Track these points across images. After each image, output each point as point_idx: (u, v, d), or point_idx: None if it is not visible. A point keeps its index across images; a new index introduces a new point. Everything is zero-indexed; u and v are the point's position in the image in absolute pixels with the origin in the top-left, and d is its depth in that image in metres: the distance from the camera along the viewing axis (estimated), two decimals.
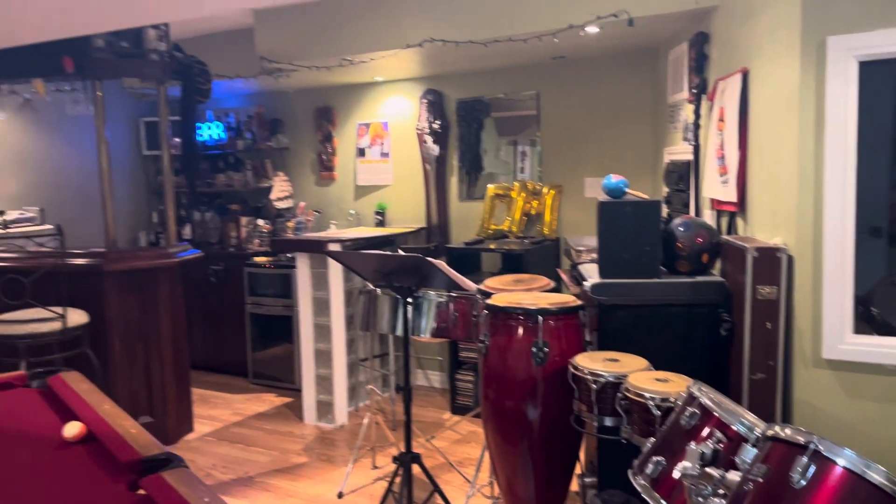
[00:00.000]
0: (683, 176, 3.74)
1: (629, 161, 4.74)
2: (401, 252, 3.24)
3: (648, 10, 3.54)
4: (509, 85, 5.12)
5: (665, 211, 3.82)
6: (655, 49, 4.59)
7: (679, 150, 3.93)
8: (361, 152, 5.76)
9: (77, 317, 3.91)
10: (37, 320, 3.73)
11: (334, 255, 3.26)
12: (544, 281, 3.38)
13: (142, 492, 1.66)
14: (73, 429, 2.01)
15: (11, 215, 5.16)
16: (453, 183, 5.42)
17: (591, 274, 2.86)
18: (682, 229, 2.80)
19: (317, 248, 4.62)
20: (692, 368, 2.50)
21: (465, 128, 5.31)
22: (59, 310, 3.77)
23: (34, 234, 3.92)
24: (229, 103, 6.39)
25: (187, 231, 6.32)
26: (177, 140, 5.40)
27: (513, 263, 4.63)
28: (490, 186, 5.15)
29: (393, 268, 3.16)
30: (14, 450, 1.97)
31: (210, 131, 6.30)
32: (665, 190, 4.07)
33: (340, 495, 3.73)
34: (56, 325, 3.75)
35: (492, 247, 4.77)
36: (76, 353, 3.94)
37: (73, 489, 1.73)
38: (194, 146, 4.72)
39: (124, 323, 4.27)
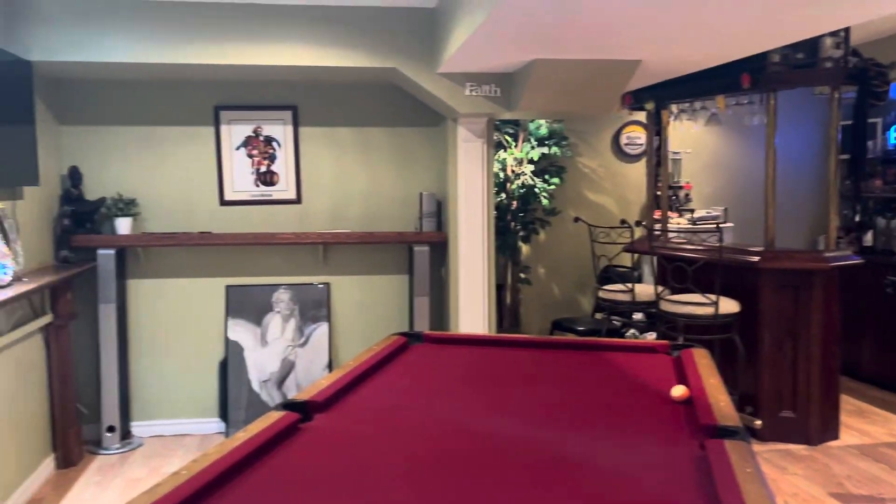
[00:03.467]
0: None
1: None
2: None
3: None
4: None
5: None
6: None
7: None
8: None
9: (729, 305, 4.38)
10: (694, 303, 4.35)
11: None
12: None
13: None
14: (677, 390, 2.45)
15: (699, 213, 6.02)
16: None
17: None
18: None
19: None
20: None
21: None
22: (713, 297, 4.30)
23: (702, 231, 4.54)
24: None
25: (869, 238, 6.06)
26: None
27: None
28: None
29: None
30: (637, 395, 2.55)
31: None
32: None
33: None
34: (709, 310, 4.30)
35: None
36: (725, 337, 4.42)
37: (662, 435, 2.18)
38: (862, 150, 4.58)
39: (775, 318, 4.53)
